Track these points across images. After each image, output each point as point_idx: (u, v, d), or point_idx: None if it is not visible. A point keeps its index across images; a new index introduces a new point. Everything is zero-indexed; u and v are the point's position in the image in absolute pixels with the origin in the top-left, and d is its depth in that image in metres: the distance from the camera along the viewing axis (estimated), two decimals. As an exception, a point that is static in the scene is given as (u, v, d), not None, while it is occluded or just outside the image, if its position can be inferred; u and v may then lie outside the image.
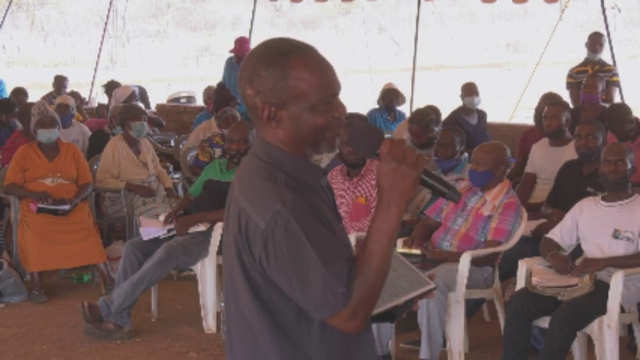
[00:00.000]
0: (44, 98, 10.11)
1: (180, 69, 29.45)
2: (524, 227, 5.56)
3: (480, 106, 9.09)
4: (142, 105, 9.75)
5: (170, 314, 6.62)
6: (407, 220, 6.09)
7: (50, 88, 12.12)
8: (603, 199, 5.25)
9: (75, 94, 11.17)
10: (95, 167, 7.89)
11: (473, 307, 5.77)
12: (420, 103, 9.50)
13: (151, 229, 6.35)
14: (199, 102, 12.72)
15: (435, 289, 2.37)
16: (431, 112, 7.45)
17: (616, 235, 5.10)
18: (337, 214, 2.36)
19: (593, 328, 4.92)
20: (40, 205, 7.04)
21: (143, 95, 12.68)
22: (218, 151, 7.92)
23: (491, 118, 9.35)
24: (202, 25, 35.67)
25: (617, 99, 9.58)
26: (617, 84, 9.66)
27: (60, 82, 11.85)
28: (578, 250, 5.35)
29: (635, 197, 5.19)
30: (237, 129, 6.46)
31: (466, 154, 6.56)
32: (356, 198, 6.07)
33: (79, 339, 6.08)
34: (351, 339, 2.27)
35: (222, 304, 5.36)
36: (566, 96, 9.05)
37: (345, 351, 2.28)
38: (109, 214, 7.86)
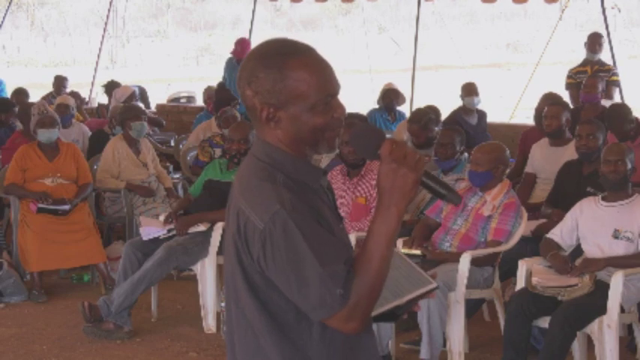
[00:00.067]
0: (44, 98, 10.12)
1: (180, 69, 29.46)
2: (524, 227, 5.56)
3: (480, 106, 9.09)
4: (142, 105, 9.75)
5: (170, 314, 6.62)
6: (407, 220, 6.08)
7: (50, 88, 12.12)
8: (603, 199, 5.25)
9: (75, 94, 11.16)
10: (95, 167, 7.89)
11: (473, 307, 5.77)
12: (420, 103, 9.50)
13: (151, 229, 6.35)
14: (199, 102, 12.72)
15: (437, 288, 2.37)
16: (430, 111, 7.46)
17: (616, 235, 5.10)
18: (337, 215, 2.36)
19: (593, 328, 4.92)
20: (40, 205, 7.04)
21: (143, 95, 12.68)
22: (218, 151, 7.93)
23: (491, 118, 9.35)
24: (202, 25, 35.68)
25: (617, 99, 9.58)
26: (616, 84, 9.66)
27: (60, 82, 11.86)
28: (578, 250, 5.35)
29: (635, 197, 5.19)
30: (238, 129, 6.46)
31: (466, 154, 6.56)
32: (356, 198, 6.07)
33: (79, 339, 6.08)
34: (352, 339, 2.27)
35: (223, 304, 5.36)
36: (566, 96, 9.05)
37: (347, 351, 2.28)
38: (109, 214, 7.86)
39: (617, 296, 4.88)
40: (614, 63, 10.21)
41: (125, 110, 8.01)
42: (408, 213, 6.28)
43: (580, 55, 9.92)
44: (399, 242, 5.58)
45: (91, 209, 7.42)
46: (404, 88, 10.54)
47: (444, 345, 5.32)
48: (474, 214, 5.53)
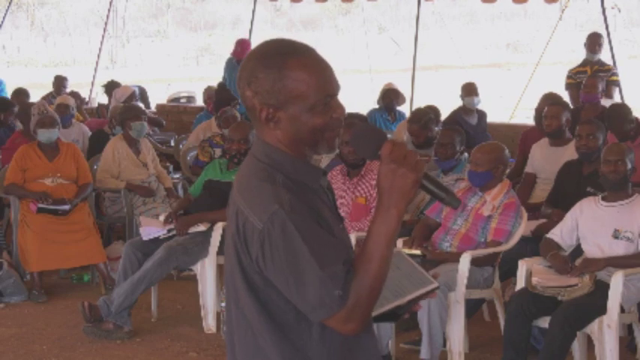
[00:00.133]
0: (44, 98, 10.12)
1: (180, 69, 29.46)
2: (524, 227, 5.56)
3: (479, 106, 9.09)
4: (142, 105, 9.75)
5: (170, 314, 6.62)
6: (407, 220, 6.08)
7: (50, 88, 12.12)
8: (603, 199, 5.25)
9: (75, 94, 11.16)
10: (95, 167, 7.89)
11: (473, 307, 5.77)
12: (420, 103, 9.50)
13: (151, 229, 6.35)
14: (199, 102, 12.72)
15: (438, 288, 2.37)
16: (430, 111, 7.46)
17: (616, 235, 5.10)
18: (338, 215, 2.36)
19: (593, 328, 4.92)
20: (40, 205, 7.04)
21: (143, 95, 12.68)
22: (218, 151, 7.93)
23: (491, 118, 9.35)
24: (202, 25, 35.68)
25: (617, 99, 9.58)
26: (616, 83, 9.66)
27: (60, 82, 11.85)
28: (578, 250, 5.35)
29: (635, 197, 5.19)
30: (238, 129, 6.46)
31: (466, 154, 6.56)
32: (356, 198, 6.07)
33: (79, 339, 6.08)
34: (352, 340, 2.27)
35: (223, 304, 5.36)
36: (566, 96, 9.05)
37: (346, 352, 2.28)
38: (109, 214, 7.86)
39: (617, 296, 4.88)
40: (614, 63, 10.20)
41: (125, 110, 8.01)
42: (408, 213, 6.28)
43: (580, 55, 9.92)
44: (399, 242, 5.58)
45: (91, 209, 7.42)
46: (404, 88, 10.54)
47: (444, 345, 5.32)
48: (473, 214, 5.53)
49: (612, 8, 14.49)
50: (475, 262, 5.35)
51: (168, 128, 11.21)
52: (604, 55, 9.92)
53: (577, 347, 5.12)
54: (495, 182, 5.56)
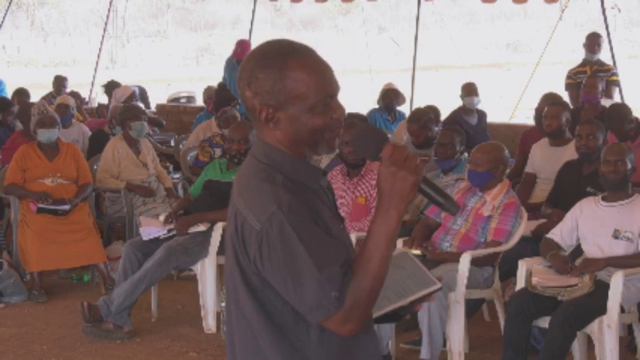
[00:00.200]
0: (44, 98, 10.12)
1: (180, 69, 29.46)
2: (524, 227, 5.56)
3: (479, 106, 9.09)
4: (142, 105, 9.75)
5: (170, 314, 6.62)
6: (407, 221, 6.09)
7: (50, 88, 12.12)
8: (603, 199, 5.25)
9: (75, 94, 11.16)
10: (95, 167, 7.89)
11: (473, 307, 5.77)
12: (420, 103, 9.50)
13: (151, 229, 6.35)
14: (199, 102, 12.72)
15: (441, 289, 2.37)
16: (430, 111, 7.46)
17: (616, 235, 5.10)
18: (338, 215, 2.36)
19: (593, 328, 4.92)
20: (40, 205, 7.04)
21: (143, 95, 12.68)
22: (218, 151, 7.93)
23: (491, 118, 9.35)
24: (202, 25, 35.67)
25: (617, 99, 9.58)
26: (616, 83, 9.66)
27: (60, 82, 11.85)
28: (578, 250, 5.35)
29: (635, 197, 5.19)
30: (238, 129, 6.46)
31: (466, 154, 6.56)
32: (356, 198, 6.07)
33: (79, 339, 6.08)
34: (351, 340, 2.26)
35: (223, 304, 5.36)
36: (566, 97, 9.05)
37: (345, 353, 2.27)
38: (109, 214, 7.87)
39: (617, 296, 4.88)
40: (614, 63, 10.20)
41: (125, 110, 8.01)
42: (408, 213, 6.28)
43: (580, 55, 9.92)
44: (399, 242, 5.58)
45: (91, 209, 7.42)
46: (404, 88, 10.54)
47: (444, 345, 5.32)
48: (473, 214, 5.53)
49: (612, 8, 14.50)
50: (475, 262, 5.35)
51: (168, 128, 11.21)
52: (604, 55, 9.92)
53: (577, 347, 5.12)
54: (495, 182, 5.56)
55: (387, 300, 2.29)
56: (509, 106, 13.83)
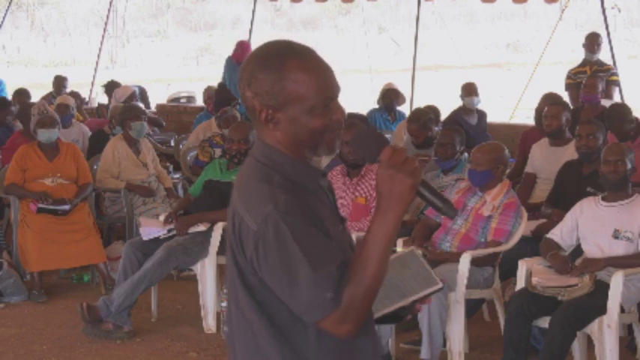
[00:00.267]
0: (44, 98, 10.12)
1: (180, 69, 29.45)
2: (524, 227, 5.56)
3: (479, 106, 9.09)
4: (142, 105, 9.75)
5: (170, 314, 6.62)
6: (407, 221, 6.09)
7: (50, 88, 12.12)
8: (603, 199, 5.25)
9: (75, 94, 11.16)
10: (95, 167, 7.89)
11: (473, 307, 5.77)
12: (420, 103, 9.50)
13: (151, 229, 6.35)
14: (199, 102, 12.72)
15: (442, 289, 2.37)
16: (429, 111, 7.46)
17: (616, 235, 5.10)
18: (338, 216, 2.36)
19: (593, 328, 4.92)
20: (40, 205, 7.04)
21: (143, 95, 12.68)
22: (218, 151, 7.93)
23: (491, 118, 9.35)
24: (202, 25, 35.66)
25: (616, 99, 9.58)
26: (616, 83, 9.66)
27: (60, 82, 11.85)
28: (578, 250, 5.35)
29: (635, 197, 5.19)
30: (238, 129, 6.46)
31: (466, 154, 6.56)
32: (356, 198, 6.06)
33: (79, 339, 6.08)
34: (349, 342, 2.26)
35: (223, 304, 5.36)
36: (565, 97, 9.05)
37: (344, 353, 2.27)
38: (109, 214, 7.87)
39: (617, 296, 4.88)
40: (614, 63, 10.20)
41: (125, 110, 8.01)
42: (408, 213, 6.28)
43: (580, 55, 9.92)
44: (399, 242, 5.58)
45: (91, 209, 7.42)
46: (404, 88, 10.54)
47: (444, 345, 5.32)
48: (473, 214, 5.54)
49: (612, 8, 14.51)
50: (475, 262, 5.36)
51: (168, 128, 11.21)
52: (604, 55, 9.92)
53: (577, 347, 5.12)
54: (495, 182, 5.56)
55: (390, 300, 2.29)
56: (509, 106, 13.83)
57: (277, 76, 2.23)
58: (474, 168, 5.57)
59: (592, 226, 5.20)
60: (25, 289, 7.02)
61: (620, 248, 5.08)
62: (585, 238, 5.23)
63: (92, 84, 13.93)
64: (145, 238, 6.29)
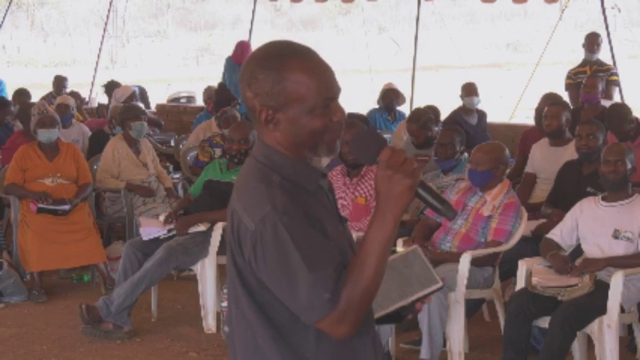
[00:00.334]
0: (44, 98, 10.12)
1: (180, 69, 29.45)
2: (524, 227, 5.56)
3: (479, 106, 9.09)
4: (142, 105, 9.75)
5: (170, 314, 6.62)
6: (407, 220, 6.09)
7: (50, 88, 12.12)
8: (603, 199, 5.25)
9: (75, 94, 11.17)
10: (95, 167, 7.89)
11: (473, 307, 5.77)
12: (420, 103, 9.50)
13: (151, 229, 6.35)
14: (199, 102, 12.71)
15: (442, 288, 2.37)
16: (429, 111, 7.47)
17: (616, 235, 5.10)
18: (338, 216, 2.36)
19: (593, 328, 4.92)
20: (40, 205, 7.04)
21: (143, 95, 12.68)
22: (218, 151, 7.93)
23: (491, 118, 9.35)
24: (202, 25, 35.66)
25: (616, 99, 9.58)
26: (616, 83, 9.66)
27: (60, 82, 11.86)
28: (578, 250, 5.35)
29: (635, 197, 5.19)
30: (238, 129, 6.46)
31: (466, 154, 6.56)
32: (356, 198, 6.07)
33: (79, 339, 6.08)
34: (349, 342, 2.26)
35: (223, 304, 5.36)
36: (565, 97, 9.05)
37: (343, 353, 2.27)
38: (109, 214, 7.87)
39: (617, 296, 4.88)
40: (614, 63, 10.20)
41: (125, 110, 8.01)
42: (408, 213, 6.28)
43: (580, 55, 9.92)
44: (399, 242, 5.58)
45: (91, 209, 7.42)
46: (404, 88, 10.54)
47: (444, 345, 5.32)
48: (474, 214, 5.54)
49: (612, 8, 14.51)
50: (475, 262, 5.36)
51: (168, 128, 11.21)
52: (604, 55, 9.92)
53: (577, 347, 5.12)
54: (495, 182, 5.56)
55: (390, 300, 2.29)
56: (509, 106, 13.83)
57: (277, 77, 2.23)
58: (474, 168, 5.57)
59: (592, 226, 5.20)
60: (25, 289, 7.02)
61: (620, 248, 5.08)
62: (585, 238, 5.23)
63: (92, 84, 13.93)
64: (144, 238, 6.29)
